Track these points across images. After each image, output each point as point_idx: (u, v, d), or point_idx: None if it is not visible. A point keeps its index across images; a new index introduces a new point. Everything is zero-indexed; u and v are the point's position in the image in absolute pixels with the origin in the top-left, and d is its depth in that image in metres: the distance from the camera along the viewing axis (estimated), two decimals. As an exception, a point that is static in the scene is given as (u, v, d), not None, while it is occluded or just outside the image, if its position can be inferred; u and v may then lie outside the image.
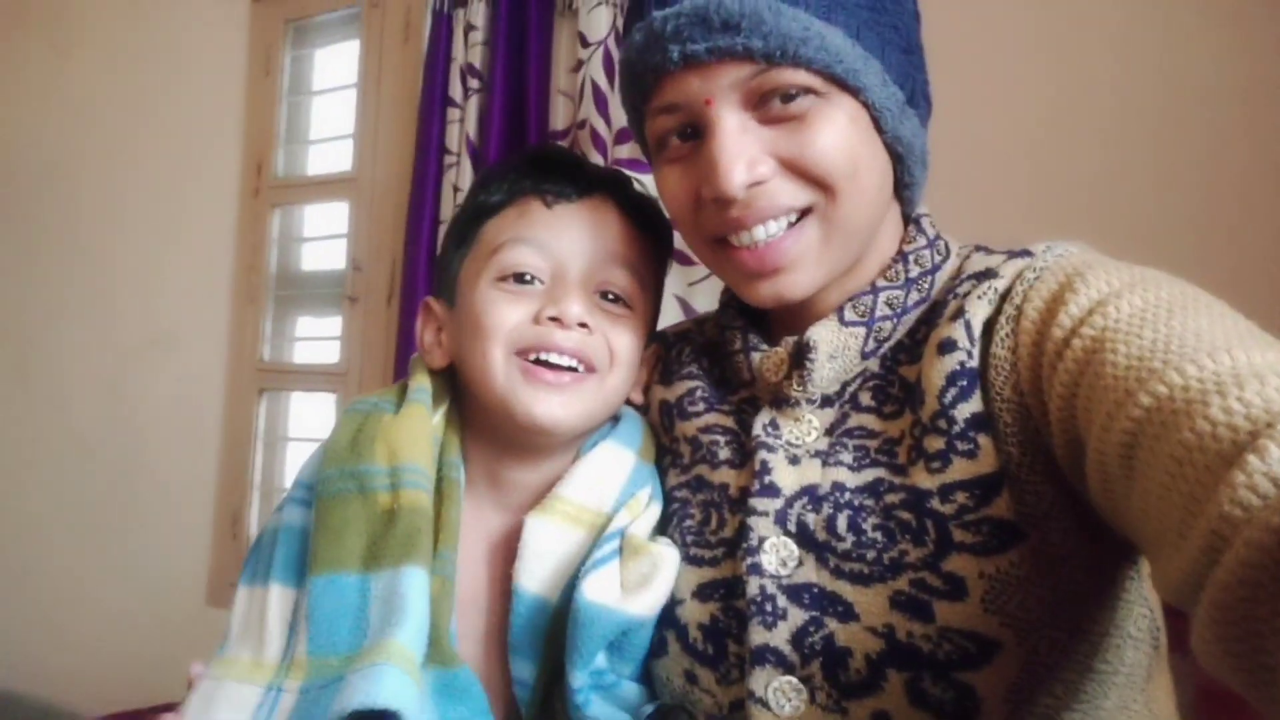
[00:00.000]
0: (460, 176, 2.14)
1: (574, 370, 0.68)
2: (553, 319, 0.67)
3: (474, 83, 2.15)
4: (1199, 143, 1.49)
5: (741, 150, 0.61)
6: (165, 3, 2.90)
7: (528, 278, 0.69)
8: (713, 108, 0.62)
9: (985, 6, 1.67)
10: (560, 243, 0.69)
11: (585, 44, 1.98)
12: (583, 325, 0.68)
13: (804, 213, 0.64)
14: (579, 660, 0.62)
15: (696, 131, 0.64)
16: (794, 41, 0.59)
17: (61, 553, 2.93)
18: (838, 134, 0.62)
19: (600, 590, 0.62)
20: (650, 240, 0.75)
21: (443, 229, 2.16)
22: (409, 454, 0.67)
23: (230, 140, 2.71)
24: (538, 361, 0.67)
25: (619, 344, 0.70)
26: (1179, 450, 0.43)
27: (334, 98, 2.64)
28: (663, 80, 0.64)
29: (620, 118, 1.92)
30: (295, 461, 2.64)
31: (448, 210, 2.16)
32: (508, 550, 0.68)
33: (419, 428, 0.69)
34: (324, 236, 2.63)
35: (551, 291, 0.68)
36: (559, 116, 2.09)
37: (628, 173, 0.78)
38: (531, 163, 0.74)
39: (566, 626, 0.62)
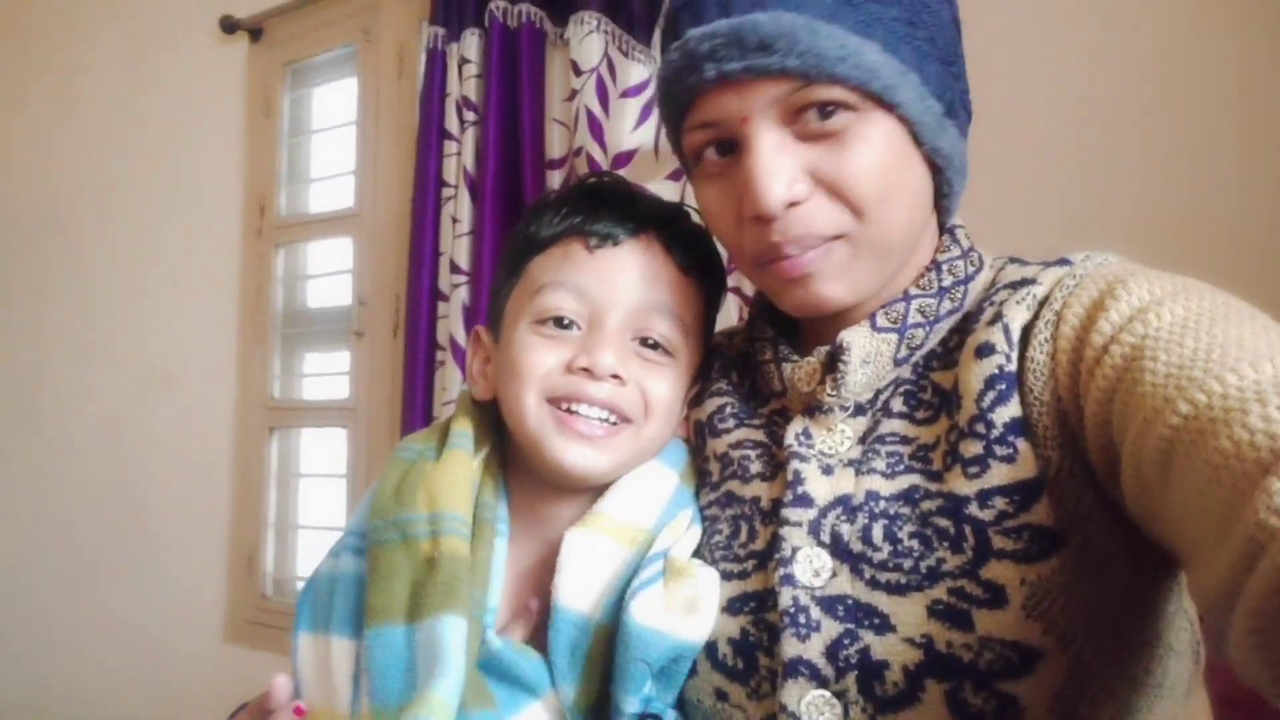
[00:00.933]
0: (458, 208, 2.15)
1: (608, 422, 0.67)
2: (584, 369, 0.67)
3: (469, 115, 2.17)
4: (1234, 149, 1.48)
5: (780, 169, 0.61)
6: (166, 49, 2.94)
7: (566, 322, 0.69)
8: (749, 125, 0.62)
9: (1017, 13, 1.68)
10: (600, 289, 0.69)
11: (578, 72, 2.00)
12: (615, 377, 0.67)
13: (834, 237, 0.64)
14: (630, 685, 0.61)
15: (733, 147, 0.65)
16: (829, 60, 0.59)
17: (73, 592, 2.94)
18: (874, 153, 0.62)
19: (650, 613, 0.61)
20: (699, 283, 0.74)
21: (444, 260, 2.18)
22: (447, 501, 0.67)
23: (232, 182, 2.74)
24: (570, 410, 0.67)
25: (655, 393, 0.69)
26: (1216, 458, 0.43)
27: (333, 135, 2.67)
28: (699, 97, 0.64)
29: (616, 144, 1.93)
30: (309, 498, 2.65)
31: (447, 242, 2.18)
32: (546, 578, 0.68)
33: (457, 474, 0.69)
34: (329, 273, 2.65)
35: (587, 339, 0.68)
36: (555, 145, 2.11)
37: (686, 206, 0.77)
38: (583, 197, 0.73)
39: (614, 647, 0.62)
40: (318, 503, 2.62)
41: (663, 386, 0.70)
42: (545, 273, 0.70)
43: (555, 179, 2.09)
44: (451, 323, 2.13)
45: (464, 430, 0.73)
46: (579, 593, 0.65)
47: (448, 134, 2.20)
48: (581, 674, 0.64)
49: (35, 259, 3.20)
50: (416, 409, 2.18)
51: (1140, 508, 0.51)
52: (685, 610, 0.62)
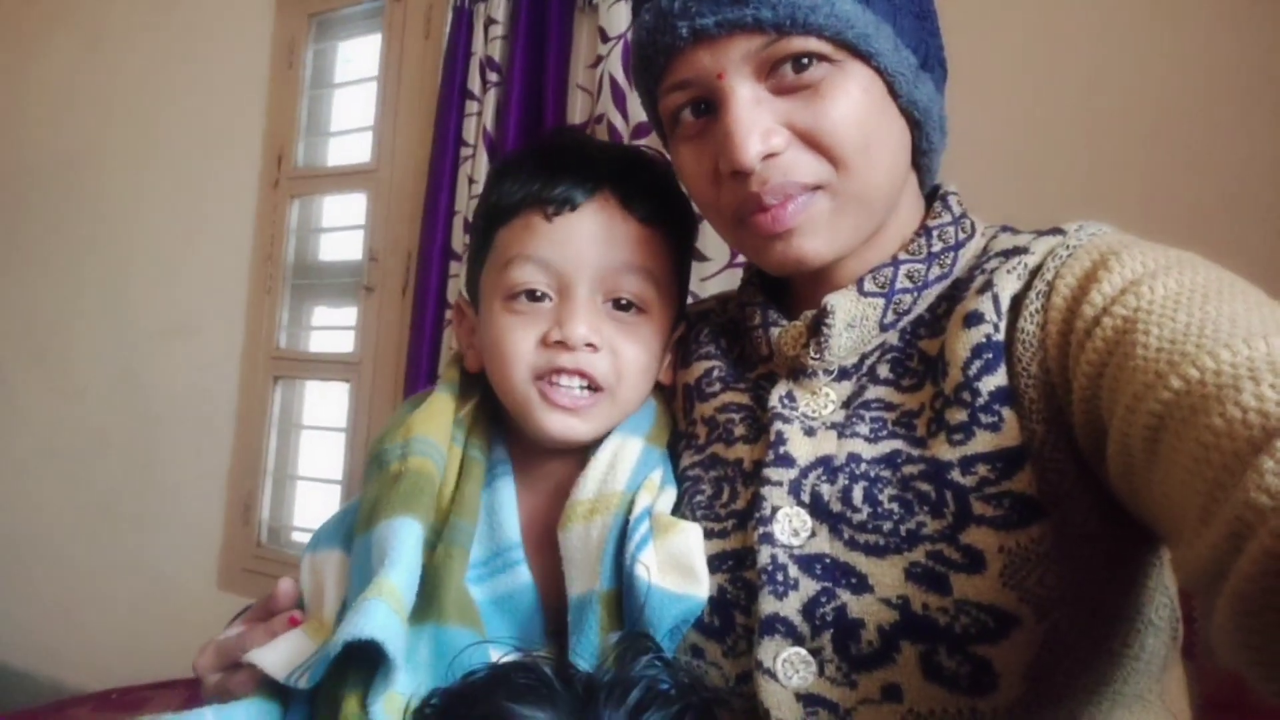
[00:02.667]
0: (476, 169, 2.15)
1: (588, 389, 0.69)
2: (559, 342, 0.68)
3: (493, 76, 2.17)
4: (1224, 134, 1.49)
5: (755, 121, 0.61)
6: (193, -3, 2.94)
7: (538, 294, 0.69)
8: (725, 80, 0.62)
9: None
10: (564, 258, 0.69)
11: (605, 39, 1.99)
12: (589, 345, 0.68)
13: (814, 188, 0.63)
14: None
15: (710, 107, 0.64)
16: (803, 10, 0.59)
17: (78, 537, 2.97)
18: (851, 104, 0.61)
19: (657, 574, 0.62)
20: (664, 232, 0.73)
21: (458, 219, 2.18)
22: (420, 429, 0.70)
23: (252, 132, 2.74)
24: (552, 383, 0.69)
25: (628, 356, 0.70)
26: (1207, 435, 0.42)
27: (355, 90, 2.67)
28: (673, 58, 0.64)
29: (638, 113, 1.93)
30: (309, 449, 2.66)
31: (463, 202, 2.18)
32: (547, 533, 0.69)
33: (435, 409, 0.72)
34: (342, 227, 2.66)
35: (559, 310, 0.69)
36: (576, 111, 2.11)
37: (647, 150, 0.76)
38: (539, 160, 0.73)
39: (622, 608, 0.62)
40: (318, 455, 2.64)
41: (636, 348, 0.71)
42: (510, 246, 0.71)
43: (575, 144, 2.08)
44: (462, 282, 2.13)
45: (449, 379, 0.76)
46: (581, 578, 0.66)
47: (470, 93, 2.20)
48: (602, 646, 0.63)
49: (55, 207, 3.21)
50: (421, 367, 2.19)
51: (1125, 483, 0.51)
52: (680, 570, 0.63)
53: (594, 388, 0.70)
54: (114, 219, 3.05)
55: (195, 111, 2.90)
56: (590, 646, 0.63)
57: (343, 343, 2.58)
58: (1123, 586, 0.59)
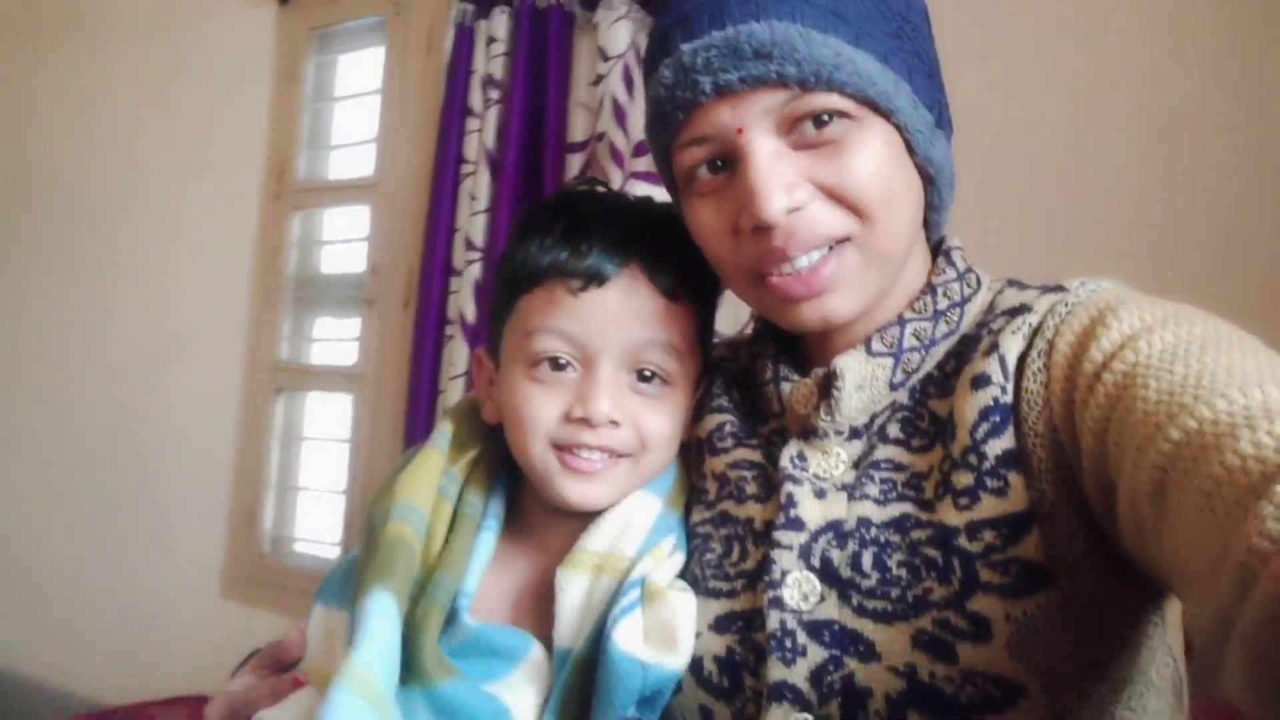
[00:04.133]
0: (477, 185, 2.17)
1: (607, 456, 0.69)
2: (581, 419, 0.68)
3: (494, 93, 2.19)
4: (1230, 157, 1.50)
5: (779, 175, 0.61)
6: (195, 12, 2.95)
7: (561, 362, 0.69)
8: (745, 135, 0.61)
9: (1001, 23, 1.70)
10: (589, 333, 0.69)
11: (605, 58, 2.01)
12: (612, 422, 0.68)
13: (841, 240, 0.63)
14: (611, 712, 0.61)
15: (727, 163, 0.64)
16: (827, 67, 0.59)
17: (83, 547, 2.98)
18: (874, 158, 0.62)
19: (630, 641, 0.62)
20: (691, 305, 0.73)
21: (459, 236, 2.20)
22: (404, 493, 0.69)
23: (255, 144, 2.75)
24: (573, 453, 0.69)
25: (651, 427, 0.70)
26: (1208, 484, 0.43)
27: (357, 103, 2.68)
28: (692, 113, 0.63)
29: (638, 132, 1.94)
30: (311, 461, 2.68)
31: (464, 218, 2.20)
32: (537, 595, 0.70)
33: (422, 468, 0.71)
34: (344, 240, 2.67)
35: (582, 384, 0.69)
36: (578, 129, 2.12)
37: (673, 211, 0.74)
38: (564, 225, 0.71)
39: (596, 675, 0.62)
40: (320, 466, 2.66)
41: (659, 419, 0.71)
42: (533, 316, 0.70)
43: (575, 162, 2.11)
44: (462, 298, 2.15)
45: (444, 431, 0.75)
46: (565, 631, 0.66)
47: (470, 111, 2.22)
48: (562, 701, 0.64)
49: (56, 220, 3.22)
50: (423, 380, 2.21)
51: (1137, 539, 0.50)
52: (663, 640, 0.63)
53: (615, 455, 0.70)
54: (115, 231, 3.06)
55: (197, 124, 2.91)
56: (557, 704, 0.63)
57: (345, 354, 2.60)
58: (1127, 649, 0.60)
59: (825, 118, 0.61)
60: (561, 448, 0.69)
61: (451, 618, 0.67)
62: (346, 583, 0.71)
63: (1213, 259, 1.47)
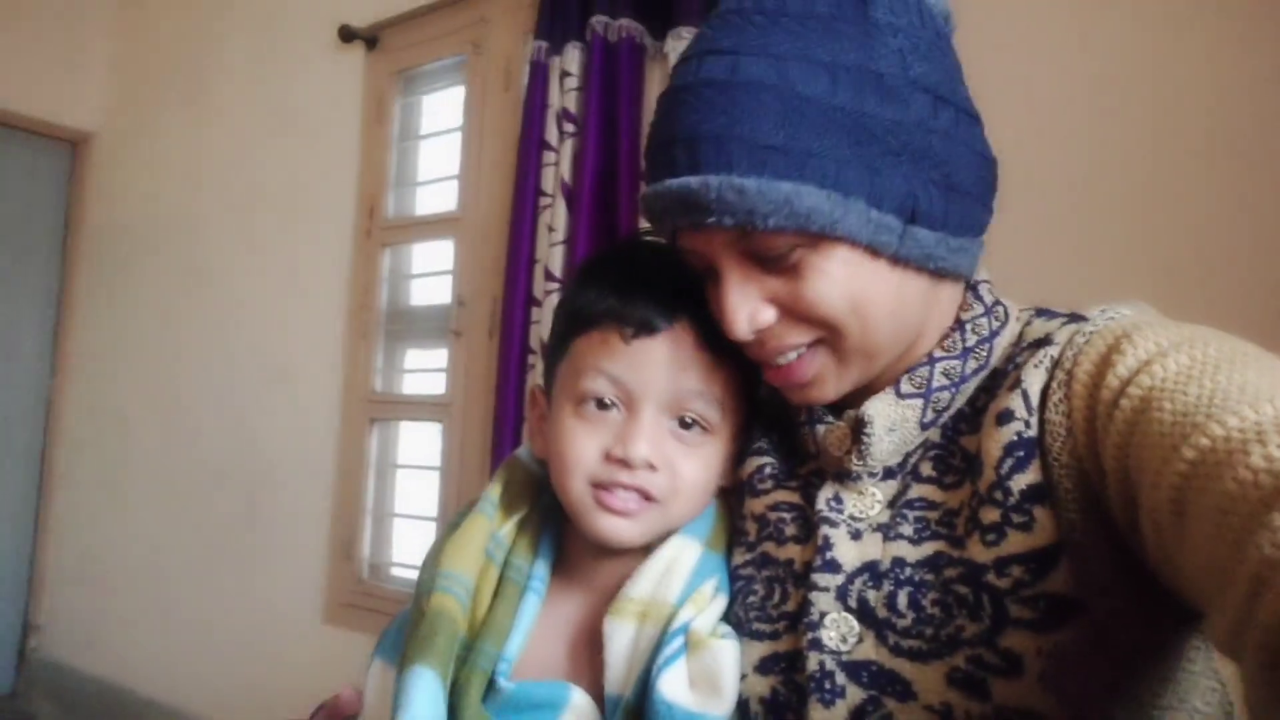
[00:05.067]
0: (555, 217, 2.22)
1: (640, 498, 0.71)
2: (620, 459, 0.70)
3: (569, 126, 2.24)
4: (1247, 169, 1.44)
5: (743, 301, 0.64)
6: (289, 61, 3.12)
7: (606, 402, 0.71)
8: (716, 260, 0.65)
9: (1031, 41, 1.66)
10: (636, 379, 0.71)
11: (674, 87, 2.03)
12: (649, 465, 0.70)
13: (815, 343, 0.66)
14: None
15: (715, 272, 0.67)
16: (760, 215, 0.60)
17: (194, 572, 3.15)
18: (829, 283, 0.63)
19: (677, 690, 0.63)
20: (735, 361, 0.73)
21: (539, 267, 2.25)
22: (449, 563, 0.72)
23: (346, 185, 2.88)
24: (610, 490, 0.71)
25: (686, 474, 0.72)
26: (1223, 500, 0.44)
27: (440, 141, 2.78)
28: (674, 234, 0.68)
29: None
30: (404, 488, 2.77)
31: (543, 249, 2.25)
32: (590, 636, 0.71)
33: (467, 537, 0.74)
34: (431, 273, 2.76)
35: (624, 426, 0.71)
36: (650, 157, 2.15)
37: None
38: (622, 274, 0.74)
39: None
40: (413, 493, 2.74)
41: (695, 467, 0.72)
42: (585, 356, 0.73)
43: (649, 191, 2.13)
44: (543, 328, 2.19)
45: (490, 496, 0.77)
46: (615, 679, 0.68)
47: (547, 144, 2.28)
48: None
49: (169, 259, 3.45)
50: (508, 408, 2.26)
51: (1161, 559, 0.51)
52: (709, 688, 0.64)
53: (648, 498, 0.71)
54: (221, 270, 3.24)
55: (294, 167, 3.07)
56: None
57: (434, 384, 2.68)
58: (1164, 676, 0.59)
59: (777, 252, 0.63)
60: (599, 485, 0.71)
61: (492, 684, 0.69)
62: (399, 640, 0.73)
63: (1234, 268, 1.44)
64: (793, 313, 0.64)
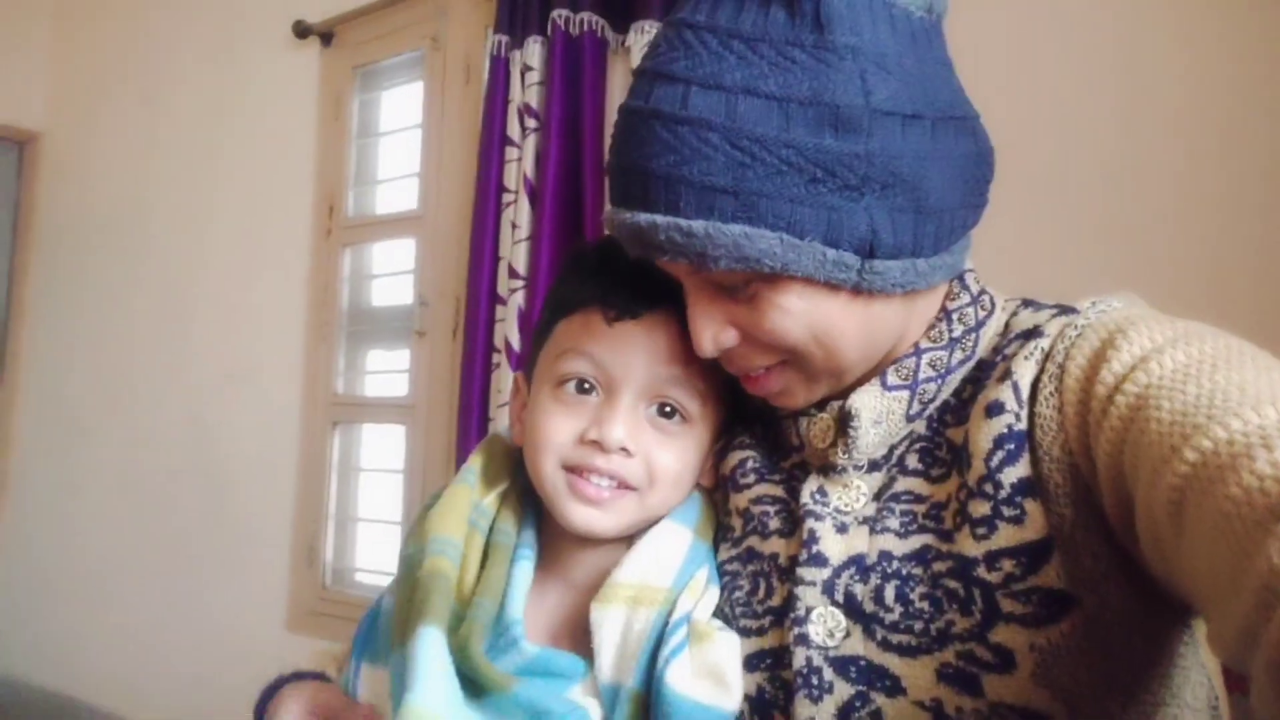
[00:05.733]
0: (518, 214, 2.19)
1: (615, 485, 0.70)
2: (594, 441, 0.69)
3: (531, 122, 2.21)
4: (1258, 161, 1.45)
5: (707, 323, 0.64)
6: (244, 56, 3.05)
7: (586, 385, 0.71)
8: (683, 280, 0.66)
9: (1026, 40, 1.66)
10: (616, 362, 0.70)
11: (638, 81, 2.01)
12: (623, 449, 0.69)
13: (781, 363, 0.66)
14: None
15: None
16: (709, 259, 0.59)
17: (151, 580, 3.07)
18: (786, 316, 0.62)
19: (685, 682, 0.62)
20: None
21: (502, 265, 2.22)
22: (436, 528, 0.70)
23: (304, 183, 2.83)
24: (583, 476, 0.70)
25: (661, 463, 0.71)
26: (1226, 505, 0.43)
27: (400, 138, 2.73)
28: None
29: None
30: (368, 491, 2.72)
31: (506, 247, 2.22)
32: (573, 629, 0.70)
33: (452, 504, 0.73)
34: (392, 273, 2.72)
35: (601, 409, 0.70)
36: (614, 153, 2.13)
37: None
38: (609, 260, 0.73)
39: (649, 712, 0.63)
40: (377, 497, 2.69)
41: (671, 457, 0.71)
42: (567, 338, 0.73)
43: (613, 187, 2.11)
44: (508, 326, 2.17)
45: (472, 467, 0.77)
46: (606, 666, 0.66)
47: (509, 140, 2.24)
48: None
49: (122, 259, 3.36)
50: (473, 409, 2.23)
51: (1156, 558, 0.51)
52: (714, 681, 0.63)
53: (623, 485, 0.70)
54: (176, 270, 3.17)
55: (250, 166, 3.00)
56: None
57: (397, 386, 2.64)
58: (1155, 671, 0.59)
59: (734, 285, 0.62)
60: (572, 469, 0.70)
61: (507, 646, 0.68)
62: (376, 631, 0.72)
63: (1223, 263, 1.45)
64: (754, 340, 0.64)
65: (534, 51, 2.21)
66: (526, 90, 2.22)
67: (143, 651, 3.05)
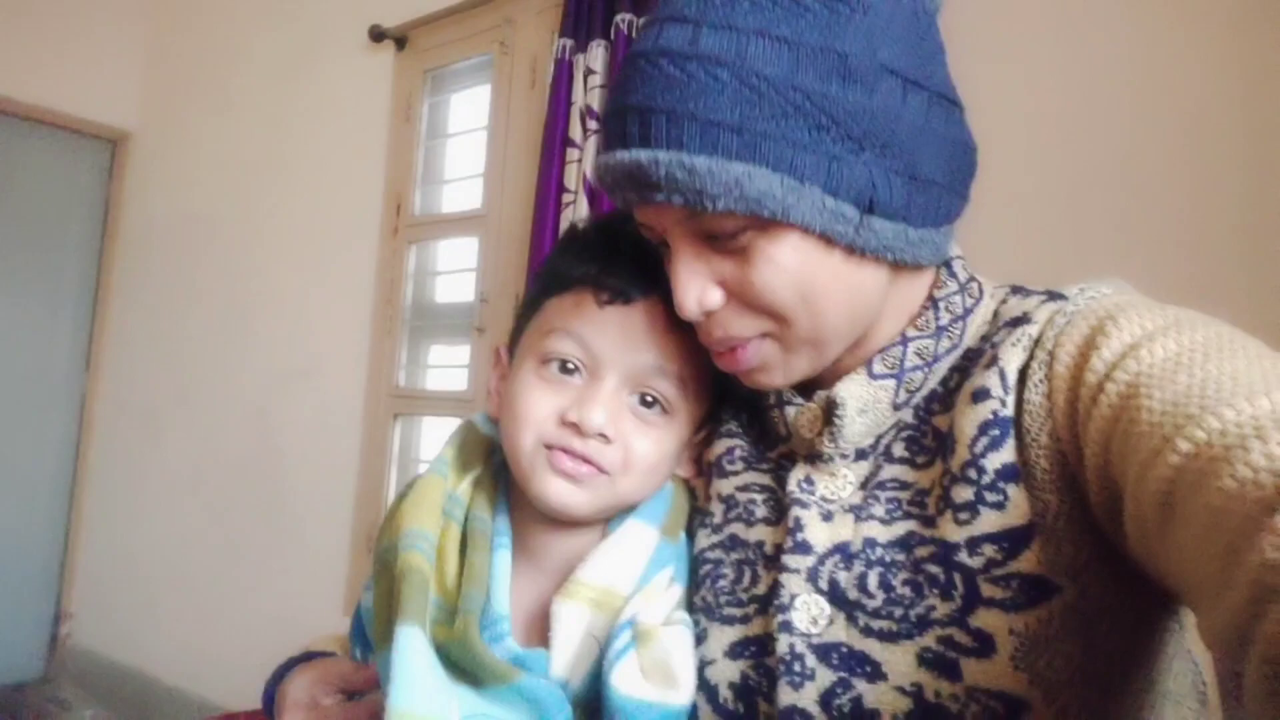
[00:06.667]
0: (578, 213, 2.23)
1: (592, 466, 0.69)
2: (573, 423, 0.68)
3: (592, 124, 2.25)
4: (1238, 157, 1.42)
5: (692, 280, 0.62)
6: (322, 60, 3.16)
7: (570, 365, 0.70)
8: (669, 235, 0.63)
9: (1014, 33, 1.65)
10: (604, 345, 0.69)
11: (697, 84, 2.04)
12: (601, 435, 0.68)
13: (762, 336, 0.64)
14: None
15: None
16: (709, 196, 0.57)
17: (216, 563, 3.19)
18: (776, 269, 0.60)
19: (631, 683, 0.62)
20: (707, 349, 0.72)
21: (561, 264, 2.26)
22: (409, 522, 0.69)
23: (374, 183, 2.91)
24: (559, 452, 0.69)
25: (638, 452, 0.70)
26: (1218, 498, 0.42)
27: (467, 140, 2.80)
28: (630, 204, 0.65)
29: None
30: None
31: (566, 246, 2.25)
32: (539, 617, 0.70)
33: (423, 496, 0.71)
34: (455, 270, 2.79)
35: (583, 391, 0.69)
36: (672, 154, 2.15)
37: None
38: (605, 241, 0.73)
39: (595, 716, 0.63)
40: (434, 489, 2.75)
41: (648, 445, 0.70)
42: (556, 316, 0.72)
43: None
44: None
45: (444, 457, 0.76)
46: (561, 662, 0.66)
47: (571, 141, 2.29)
48: None
49: (198, 256, 3.50)
50: (528, 404, 2.26)
51: (1144, 549, 0.50)
52: (663, 679, 0.63)
53: (599, 469, 0.69)
54: (250, 268, 3.29)
55: (323, 166, 3.11)
56: None
57: (457, 380, 2.70)
58: (1136, 660, 0.58)
59: (727, 233, 0.60)
60: (550, 447, 0.69)
61: (493, 640, 0.68)
62: (363, 629, 0.73)
63: (1217, 257, 1.44)
64: (740, 298, 0.62)
65: (597, 55, 2.26)
66: (589, 93, 2.26)
67: (209, 632, 3.16)
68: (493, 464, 0.78)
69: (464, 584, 0.69)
